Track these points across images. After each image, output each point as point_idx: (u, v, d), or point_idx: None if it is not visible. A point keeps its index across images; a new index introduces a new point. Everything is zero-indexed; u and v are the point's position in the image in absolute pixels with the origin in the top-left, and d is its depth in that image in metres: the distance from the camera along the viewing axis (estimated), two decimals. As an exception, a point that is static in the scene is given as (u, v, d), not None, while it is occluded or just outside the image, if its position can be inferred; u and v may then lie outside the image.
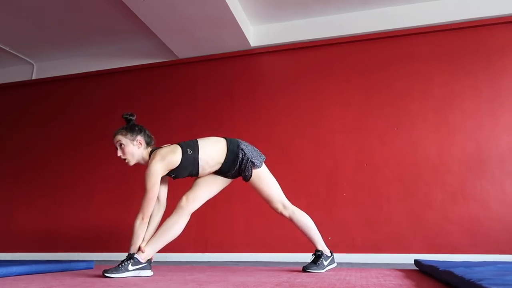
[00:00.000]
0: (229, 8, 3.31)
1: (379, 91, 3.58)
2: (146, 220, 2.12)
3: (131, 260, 2.05)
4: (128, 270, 2.02)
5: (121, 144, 2.16)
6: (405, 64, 3.58)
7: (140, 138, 2.17)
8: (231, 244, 3.58)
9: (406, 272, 2.26)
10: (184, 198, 2.21)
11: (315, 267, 2.23)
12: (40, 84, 4.70)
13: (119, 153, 2.17)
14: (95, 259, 3.55)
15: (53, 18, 3.85)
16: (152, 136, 2.27)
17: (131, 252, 2.07)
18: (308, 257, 3.31)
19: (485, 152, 3.25)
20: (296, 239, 3.45)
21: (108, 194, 4.03)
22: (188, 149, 2.15)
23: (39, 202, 4.32)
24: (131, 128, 2.18)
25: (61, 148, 4.40)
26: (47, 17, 3.84)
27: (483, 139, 3.28)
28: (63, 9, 3.69)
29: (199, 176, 2.24)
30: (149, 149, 2.22)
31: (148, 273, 2.11)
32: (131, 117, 2.24)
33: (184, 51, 4.06)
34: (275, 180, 2.34)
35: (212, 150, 2.18)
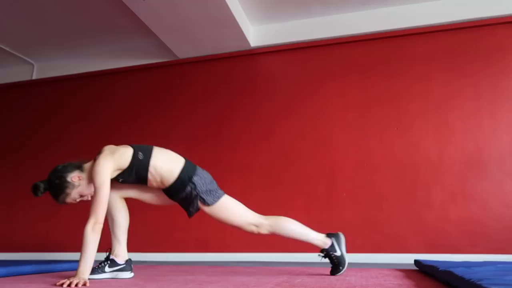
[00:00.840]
0: (229, 8, 3.31)
1: (379, 91, 3.58)
2: (100, 226, 1.80)
3: (108, 262, 2.00)
4: (104, 272, 1.98)
5: (79, 197, 1.98)
6: (405, 64, 3.57)
7: (74, 175, 1.95)
8: (231, 244, 3.58)
9: (406, 272, 2.26)
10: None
11: (339, 270, 2.05)
12: (40, 84, 4.70)
13: (86, 198, 2.00)
14: (94, 259, 3.55)
15: (53, 18, 3.85)
16: (71, 162, 2.06)
17: (81, 277, 1.71)
18: (308, 257, 3.32)
19: (485, 152, 3.25)
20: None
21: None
22: (140, 152, 1.95)
23: (39, 202, 4.31)
24: (57, 187, 1.94)
25: (61, 148, 4.39)
26: (47, 17, 3.84)
27: (483, 139, 3.28)
28: (63, 9, 3.69)
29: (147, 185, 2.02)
30: (85, 171, 1.99)
31: (128, 274, 2.03)
32: (39, 187, 2.01)
33: (184, 51, 4.06)
34: (235, 204, 2.08)
35: (164, 165, 1.96)
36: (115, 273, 2.00)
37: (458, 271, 1.51)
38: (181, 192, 1.98)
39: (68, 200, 1.96)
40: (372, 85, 3.60)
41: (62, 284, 1.62)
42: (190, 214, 2.05)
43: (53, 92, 4.62)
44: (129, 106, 4.28)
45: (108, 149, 1.97)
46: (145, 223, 3.69)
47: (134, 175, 1.96)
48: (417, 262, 2.45)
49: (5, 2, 3.55)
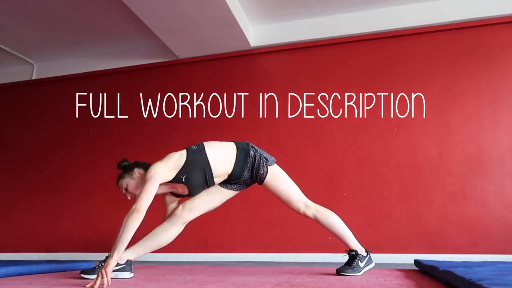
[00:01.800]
0: (229, 8, 3.31)
1: (379, 90, 3.57)
2: (140, 216, 1.84)
3: None
4: None
5: (126, 188, 2.13)
6: (405, 64, 3.57)
7: (137, 170, 2.13)
8: (231, 244, 3.58)
9: (406, 272, 2.26)
10: (180, 207, 2.15)
11: (350, 270, 2.04)
12: (40, 84, 4.70)
13: (129, 197, 2.14)
14: (95, 259, 3.55)
15: (53, 18, 3.85)
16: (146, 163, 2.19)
17: (113, 256, 1.77)
18: (308, 257, 3.32)
19: (485, 153, 3.25)
20: (296, 239, 3.45)
21: (108, 194, 4.02)
22: (193, 146, 2.09)
23: (39, 202, 4.32)
24: (126, 169, 2.16)
25: (62, 148, 4.40)
26: (47, 17, 3.84)
27: (483, 139, 3.28)
28: (63, 9, 3.69)
29: (213, 181, 2.09)
30: (142, 171, 2.15)
31: (127, 274, 2.03)
32: (123, 163, 2.20)
33: (184, 51, 4.06)
34: (290, 179, 2.23)
35: (219, 149, 2.10)
36: (115, 273, 2.00)
37: (458, 271, 1.51)
38: (246, 160, 2.09)
39: (120, 183, 2.15)
40: (372, 85, 3.60)
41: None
42: (262, 177, 2.12)
43: (53, 92, 4.62)
44: (129, 106, 4.27)
45: (166, 160, 2.05)
46: (145, 223, 3.67)
47: (196, 168, 2.02)
48: (417, 262, 2.45)
49: (5, 2, 3.55)
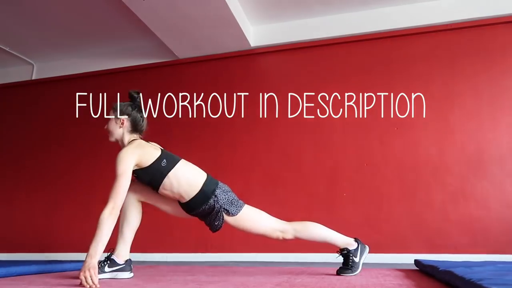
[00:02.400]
0: (229, 8, 3.31)
1: (379, 91, 3.57)
2: (117, 212, 1.83)
3: (108, 262, 2.00)
4: (104, 272, 1.97)
5: (108, 119, 2.14)
6: (405, 64, 3.57)
7: (124, 118, 2.08)
8: (231, 244, 3.58)
9: (406, 272, 2.26)
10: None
11: (349, 271, 2.02)
12: (40, 84, 4.70)
13: (105, 126, 2.14)
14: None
15: (53, 18, 3.85)
16: (144, 126, 2.15)
17: (89, 261, 1.74)
18: (308, 257, 3.32)
19: (485, 152, 3.25)
20: (296, 239, 3.45)
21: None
22: (164, 160, 1.97)
23: (39, 202, 4.32)
24: (123, 106, 2.11)
25: (61, 148, 4.40)
26: (47, 17, 3.84)
27: (483, 139, 3.28)
28: (63, 9, 3.69)
29: (157, 191, 2.02)
30: (133, 135, 2.10)
31: (127, 274, 2.03)
32: (133, 94, 2.15)
33: (184, 51, 4.06)
34: (259, 213, 2.08)
35: (186, 176, 1.97)
36: (114, 273, 2.00)
37: (458, 271, 1.51)
38: (203, 205, 1.98)
39: (110, 115, 2.14)
40: (372, 85, 3.60)
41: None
42: (215, 229, 2.04)
43: (53, 92, 4.62)
44: (129, 106, 4.27)
45: (138, 142, 2.01)
46: (145, 223, 3.68)
47: (149, 177, 1.97)
48: (417, 262, 2.44)
49: (5, 2, 3.55)
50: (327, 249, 3.29)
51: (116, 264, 2.01)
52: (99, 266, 1.98)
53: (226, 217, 2.02)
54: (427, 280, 1.82)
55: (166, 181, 1.95)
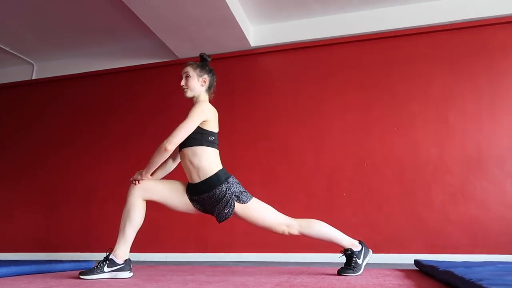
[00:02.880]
0: (229, 8, 3.31)
1: (379, 91, 3.58)
2: (171, 148, 2.00)
3: (107, 262, 1.99)
4: (103, 272, 1.97)
5: (187, 76, 2.20)
6: (405, 64, 3.57)
7: (206, 77, 2.22)
8: (231, 244, 3.58)
9: (406, 272, 2.26)
10: (136, 185, 2.11)
11: (351, 271, 2.02)
12: (40, 84, 4.70)
13: (182, 82, 2.20)
14: (95, 259, 3.55)
15: (53, 18, 3.85)
16: (215, 85, 2.31)
17: (144, 174, 2.06)
18: (308, 257, 3.32)
19: (485, 153, 3.25)
20: (296, 239, 3.44)
21: (108, 194, 4.03)
22: (214, 137, 2.11)
23: (39, 202, 4.32)
24: (202, 66, 2.23)
25: (61, 148, 4.40)
26: (47, 17, 3.84)
27: (483, 139, 3.28)
28: (63, 9, 3.69)
29: (180, 150, 2.10)
30: (207, 94, 2.25)
31: (126, 274, 2.02)
32: (207, 57, 2.28)
33: (184, 51, 4.06)
34: (266, 206, 2.14)
35: (210, 156, 2.05)
36: (114, 273, 2.00)
37: (458, 271, 1.51)
38: (214, 189, 2.01)
39: (187, 70, 2.23)
40: (372, 85, 3.60)
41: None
42: (224, 217, 2.04)
43: (53, 92, 4.62)
44: (129, 106, 4.28)
45: (215, 110, 2.22)
46: (145, 223, 3.68)
47: (195, 135, 2.06)
48: (417, 262, 2.44)
49: (5, 2, 3.55)
50: (327, 249, 3.31)
51: (115, 264, 2.00)
52: (98, 266, 1.98)
53: (236, 206, 2.04)
54: (427, 280, 1.82)
55: (199, 148, 2.04)
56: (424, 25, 3.56)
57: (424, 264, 2.18)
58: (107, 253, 2.03)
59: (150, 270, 2.51)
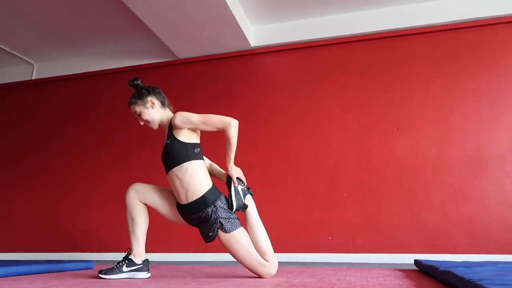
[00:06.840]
0: (229, 8, 3.31)
1: (379, 91, 3.58)
2: (236, 125, 2.13)
3: (126, 261, 2.01)
4: (122, 272, 1.98)
5: (138, 114, 2.09)
6: (405, 64, 3.57)
7: (150, 99, 2.09)
8: (231, 244, 3.57)
9: (406, 272, 2.26)
10: (130, 187, 2.12)
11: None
12: (40, 84, 4.70)
13: (141, 122, 2.12)
14: (95, 259, 3.55)
15: (53, 18, 3.85)
16: (164, 96, 2.20)
17: (230, 163, 2.05)
18: (308, 257, 3.32)
19: (485, 152, 3.25)
20: (296, 239, 3.45)
21: (108, 194, 4.03)
22: (199, 148, 2.07)
23: (39, 202, 4.32)
24: (140, 94, 2.10)
25: (61, 148, 4.40)
26: (47, 17, 3.84)
27: (483, 139, 3.28)
28: (63, 9, 3.69)
29: (167, 172, 2.02)
30: (167, 109, 2.17)
31: (144, 274, 2.04)
32: (135, 82, 2.14)
33: (184, 51, 4.06)
34: (249, 240, 2.01)
35: (198, 174, 1.99)
36: (132, 273, 2.01)
37: (458, 271, 1.51)
38: (199, 212, 1.97)
39: (132, 108, 2.11)
40: (372, 85, 3.60)
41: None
42: (208, 239, 2.02)
43: (53, 92, 4.62)
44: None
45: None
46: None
47: (178, 150, 2.00)
48: (417, 262, 2.45)
49: (5, 2, 3.55)
50: (327, 249, 3.31)
51: (134, 264, 2.02)
52: (117, 266, 1.98)
53: (219, 232, 1.99)
54: (427, 280, 1.82)
55: (186, 165, 1.98)
56: (424, 25, 3.56)
57: (424, 264, 2.18)
58: (126, 253, 2.04)
59: (150, 270, 2.50)
